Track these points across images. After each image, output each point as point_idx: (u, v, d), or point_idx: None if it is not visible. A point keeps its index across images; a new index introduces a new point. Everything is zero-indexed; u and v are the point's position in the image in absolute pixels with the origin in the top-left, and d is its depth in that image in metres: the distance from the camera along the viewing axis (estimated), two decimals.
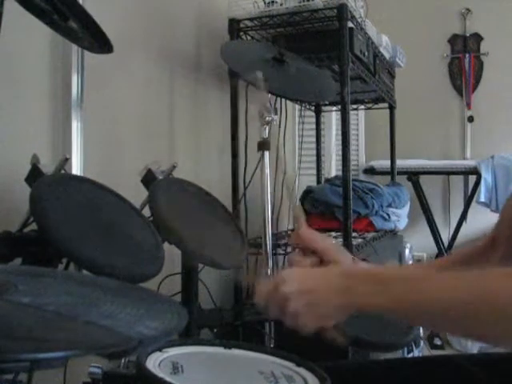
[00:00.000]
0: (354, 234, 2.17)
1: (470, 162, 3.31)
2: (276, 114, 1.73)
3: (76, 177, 1.42)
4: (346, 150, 2.04)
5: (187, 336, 1.27)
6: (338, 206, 2.36)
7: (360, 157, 3.61)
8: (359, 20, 2.19)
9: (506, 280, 0.67)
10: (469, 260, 0.99)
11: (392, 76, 2.88)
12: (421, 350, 2.58)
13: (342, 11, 2.01)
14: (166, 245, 1.27)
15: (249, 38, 2.24)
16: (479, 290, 0.68)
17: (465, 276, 0.72)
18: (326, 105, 3.02)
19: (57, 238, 1.00)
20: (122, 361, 1.00)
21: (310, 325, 0.78)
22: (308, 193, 2.60)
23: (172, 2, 2.11)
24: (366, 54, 2.27)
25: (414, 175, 3.31)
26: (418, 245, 3.22)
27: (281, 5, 2.14)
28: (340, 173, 2.14)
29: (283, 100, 2.59)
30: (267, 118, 1.70)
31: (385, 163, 3.21)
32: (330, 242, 0.96)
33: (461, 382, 0.93)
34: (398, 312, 0.75)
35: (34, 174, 1.22)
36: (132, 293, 0.67)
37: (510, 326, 0.65)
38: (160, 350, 0.81)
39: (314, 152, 3.09)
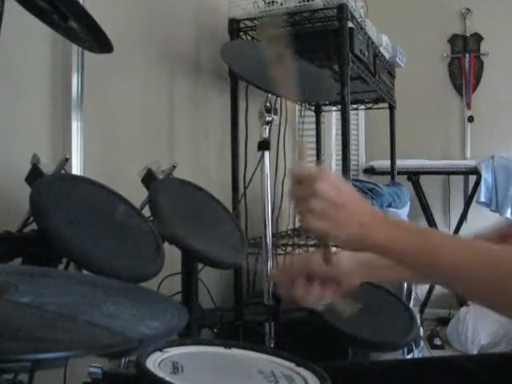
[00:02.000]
0: None
1: (470, 162, 3.31)
2: (276, 114, 1.74)
3: (76, 177, 1.42)
4: (346, 150, 2.04)
5: (187, 336, 1.27)
6: None
7: (360, 157, 3.61)
8: (359, 20, 2.19)
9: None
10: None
11: (392, 76, 2.88)
12: (421, 350, 2.58)
13: (342, 11, 2.01)
14: (166, 245, 1.27)
15: (249, 37, 2.24)
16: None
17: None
18: (325, 105, 3.02)
19: (57, 237, 1.00)
20: (122, 361, 1.00)
21: (320, 230, 0.76)
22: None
23: (172, 2, 2.11)
24: (366, 53, 2.27)
25: (414, 175, 3.31)
26: None
27: (281, 5, 2.14)
28: (340, 173, 2.14)
29: (283, 100, 2.59)
30: (267, 118, 1.71)
31: (385, 163, 3.21)
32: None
33: (461, 383, 0.93)
34: (408, 262, 0.74)
35: (34, 174, 1.22)
36: (132, 293, 0.67)
37: None
38: (160, 349, 0.81)
39: (314, 152, 3.09)
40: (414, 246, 0.73)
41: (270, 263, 1.73)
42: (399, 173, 3.15)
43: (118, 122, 1.82)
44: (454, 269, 0.71)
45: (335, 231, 0.76)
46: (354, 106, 3.04)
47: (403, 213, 2.79)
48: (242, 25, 2.20)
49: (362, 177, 3.39)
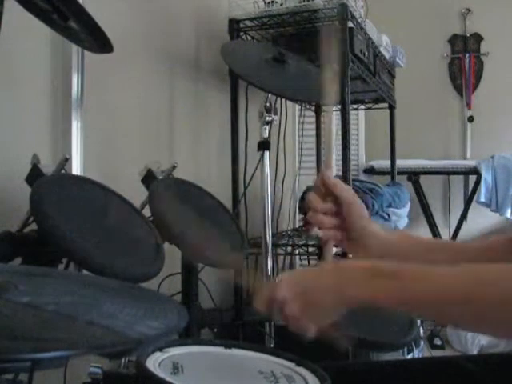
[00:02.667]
0: None
1: (470, 162, 3.31)
2: (276, 114, 1.74)
3: (76, 177, 1.42)
4: (346, 150, 2.04)
5: (187, 336, 1.27)
6: None
7: (360, 157, 3.61)
8: (359, 20, 2.19)
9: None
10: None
11: (392, 76, 2.88)
12: (421, 350, 2.58)
13: (342, 11, 2.01)
14: (166, 245, 1.27)
15: (249, 38, 2.24)
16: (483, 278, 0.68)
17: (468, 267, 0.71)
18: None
19: (57, 237, 1.00)
20: (122, 361, 1.00)
21: (310, 326, 0.77)
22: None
23: (172, 2, 2.11)
24: (366, 53, 2.27)
25: (414, 175, 3.31)
26: None
27: (281, 5, 2.14)
28: (340, 173, 2.14)
29: (283, 100, 2.59)
30: (267, 118, 1.71)
31: (385, 163, 3.21)
32: (351, 193, 0.96)
33: (461, 383, 0.93)
34: (391, 302, 0.74)
35: (34, 174, 1.22)
36: (132, 293, 0.67)
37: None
38: (160, 349, 0.81)
39: (314, 152, 3.09)
40: (388, 287, 0.72)
41: (270, 263, 1.73)
42: (399, 173, 3.15)
43: (118, 122, 1.82)
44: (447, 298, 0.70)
45: (319, 312, 0.77)
46: (354, 106, 3.04)
47: (403, 213, 2.79)
48: (241, 25, 2.20)
49: (362, 177, 3.39)
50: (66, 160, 1.25)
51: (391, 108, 3.02)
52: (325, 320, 0.78)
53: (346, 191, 0.94)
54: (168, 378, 0.72)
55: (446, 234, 3.44)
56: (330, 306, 0.76)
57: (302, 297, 0.76)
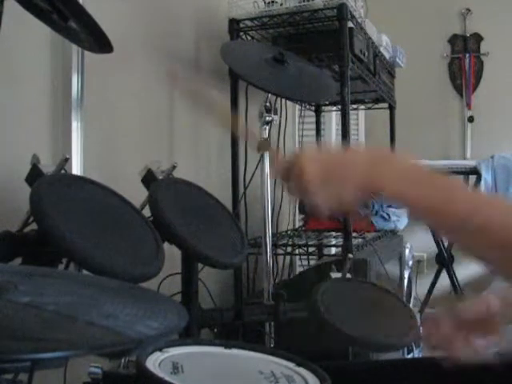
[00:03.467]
0: (354, 234, 2.17)
1: (470, 162, 3.31)
2: (276, 113, 1.74)
3: (76, 177, 1.42)
4: None
5: (187, 336, 1.27)
6: None
7: None
8: (359, 20, 2.19)
9: None
10: None
11: (392, 76, 2.88)
12: (421, 350, 2.58)
13: (342, 11, 2.01)
14: (166, 245, 1.27)
15: (249, 38, 2.24)
16: None
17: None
18: (326, 105, 3.02)
19: (57, 237, 1.00)
20: (122, 361, 1.00)
21: (326, 199, 0.70)
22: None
23: (172, 2, 2.11)
24: (366, 53, 2.27)
25: None
26: (417, 245, 3.22)
27: (281, 5, 2.14)
28: None
29: (283, 100, 2.59)
30: (267, 118, 1.71)
31: None
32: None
33: (461, 382, 0.93)
34: (414, 205, 0.70)
35: (34, 174, 1.22)
36: (132, 293, 0.67)
37: None
38: (160, 349, 0.81)
39: None
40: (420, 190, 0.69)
41: (270, 263, 1.73)
42: None
43: (118, 122, 1.82)
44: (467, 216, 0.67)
45: (340, 184, 0.70)
46: (354, 106, 3.04)
47: (403, 213, 2.79)
48: (242, 25, 2.20)
49: None
50: (66, 160, 1.25)
51: (391, 108, 3.02)
52: (342, 199, 0.71)
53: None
54: (168, 378, 0.72)
55: None
56: (353, 185, 0.70)
57: (326, 168, 0.71)
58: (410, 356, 2.24)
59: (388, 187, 0.70)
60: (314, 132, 3.07)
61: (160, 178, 1.49)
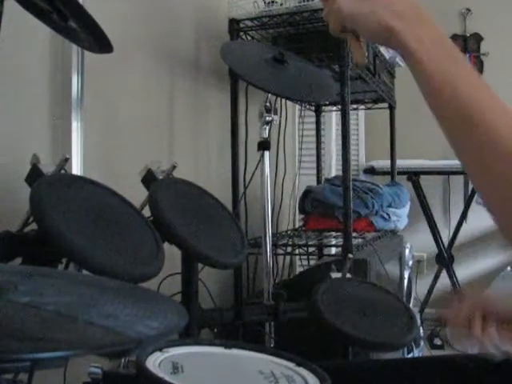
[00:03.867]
0: (354, 234, 2.17)
1: None
2: (276, 114, 1.74)
3: (76, 177, 1.42)
4: (346, 150, 2.04)
5: (187, 336, 1.27)
6: (337, 206, 2.37)
7: (360, 157, 3.61)
8: None
9: None
10: None
11: (392, 76, 2.88)
12: (421, 350, 2.58)
13: None
14: (166, 245, 1.27)
15: (249, 38, 2.24)
16: None
17: None
18: (326, 105, 3.03)
19: (57, 237, 1.00)
20: (122, 361, 1.00)
21: (344, 16, 0.73)
22: (308, 193, 2.60)
23: (172, 2, 2.11)
24: (366, 53, 2.27)
25: (414, 175, 3.31)
26: (417, 245, 3.22)
27: (281, 5, 2.14)
28: (340, 173, 2.14)
29: (283, 100, 2.59)
30: (267, 118, 1.71)
31: (385, 163, 3.21)
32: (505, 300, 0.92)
33: (461, 382, 0.93)
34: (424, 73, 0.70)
35: (34, 174, 1.22)
36: (132, 293, 0.67)
37: None
38: (160, 349, 0.81)
39: (314, 152, 3.09)
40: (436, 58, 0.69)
41: (270, 263, 1.73)
42: (399, 173, 3.15)
43: (117, 122, 1.82)
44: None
45: (362, 17, 0.72)
46: (354, 106, 3.04)
47: (403, 213, 2.79)
48: (242, 25, 2.20)
49: (362, 177, 3.39)
50: (66, 160, 1.25)
51: (391, 108, 3.02)
52: (363, 23, 0.73)
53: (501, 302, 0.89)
54: (168, 378, 0.72)
55: (445, 234, 3.44)
56: (374, 18, 0.71)
57: None
58: (409, 356, 2.24)
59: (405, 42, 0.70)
60: (314, 132, 3.07)
61: (160, 177, 1.50)
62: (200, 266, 1.46)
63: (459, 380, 0.93)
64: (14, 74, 1.44)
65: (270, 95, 1.70)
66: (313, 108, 3.05)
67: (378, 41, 0.76)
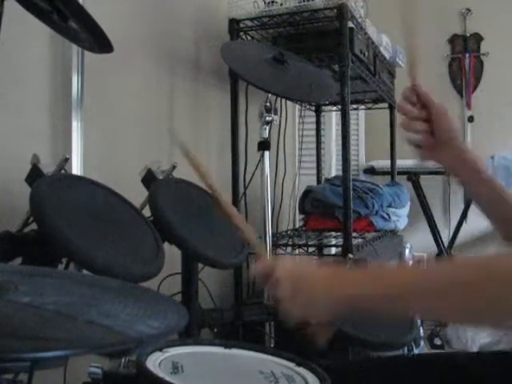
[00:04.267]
0: (354, 234, 2.17)
1: None
2: (276, 114, 1.74)
3: (76, 177, 1.42)
4: (346, 150, 2.04)
5: (187, 336, 1.27)
6: (337, 206, 2.36)
7: (360, 157, 3.61)
8: (359, 20, 2.19)
9: None
10: None
11: (392, 76, 2.88)
12: (421, 350, 2.58)
13: (342, 11, 2.01)
14: (166, 245, 1.27)
15: (249, 38, 2.24)
16: (487, 267, 0.67)
17: (469, 259, 0.73)
18: (326, 105, 3.03)
19: (57, 237, 1.00)
20: (122, 360, 1.00)
21: (296, 312, 0.77)
22: (308, 193, 2.60)
23: (172, 2, 2.11)
24: (366, 53, 2.27)
25: (414, 175, 3.31)
26: (417, 245, 3.22)
27: (281, 5, 2.14)
28: (340, 173, 2.14)
29: (283, 100, 2.59)
30: (267, 118, 1.71)
31: (385, 163, 3.21)
32: (441, 104, 1.03)
33: (461, 380, 0.93)
34: (389, 300, 0.72)
35: (34, 174, 1.22)
36: (132, 292, 0.67)
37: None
38: (160, 349, 0.81)
39: (314, 152, 3.09)
40: (386, 283, 0.73)
41: None
42: (399, 173, 3.15)
43: (118, 122, 1.82)
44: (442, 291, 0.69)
45: (309, 301, 0.77)
46: (354, 106, 3.04)
47: (403, 213, 2.79)
48: (242, 25, 2.20)
49: (362, 177, 3.39)
50: (66, 160, 1.25)
51: (391, 108, 3.02)
52: (312, 311, 0.78)
53: (437, 103, 1.00)
54: (168, 378, 0.72)
55: (445, 234, 3.44)
56: (321, 298, 0.76)
57: (296, 281, 0.78)
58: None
59: (354, 295, 0.75)
60: (314, 132, 3.07)
61: (160, 177, 1.50)
62: (200, 266, 1.46)
63: (459, 377, 0.93)
64: (14, 74, 1.44)
65: (269, 95, 1.70)
66: (313, 108, 3.05)
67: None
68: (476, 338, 2.86)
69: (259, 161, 1.75)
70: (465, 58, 3.68)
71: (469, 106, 3.67)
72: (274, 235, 2.02)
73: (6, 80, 1.40)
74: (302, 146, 3.07)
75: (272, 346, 1.69)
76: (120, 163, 1.80)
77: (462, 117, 3.69)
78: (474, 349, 2.85)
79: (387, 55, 2.69)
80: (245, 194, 2.26)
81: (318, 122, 3.07)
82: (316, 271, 0.80)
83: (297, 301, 0.77)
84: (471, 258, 0.76)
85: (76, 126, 1.57)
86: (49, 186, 1.12)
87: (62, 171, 1.26)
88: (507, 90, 3.52)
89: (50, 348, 0.43)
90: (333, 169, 3.24)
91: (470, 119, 3.66)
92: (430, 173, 3.35)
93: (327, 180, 2.81)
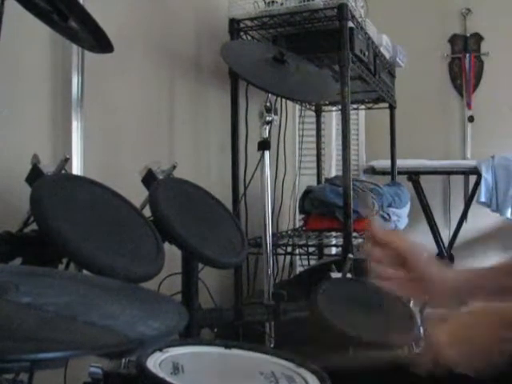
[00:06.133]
0: (354, 234, 2.17)
1: (470, 162, 3.31)
2: (276, 114, 1.74)
3: (76, 177, 1.42)
4: (346, 150, 2.04)
5: (187, 336, 1.27)
6: (338, 206, 2.36)
7: (360, 157, 3.61)
8: (359, 20, 2.19)
9: None
10: None
11: (392, 76, 2.88)
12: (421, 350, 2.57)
13: (342, 11, 2.01)
14: (166, 245, 1.27)
15: (249, 37, 2.24)
16: None
17: None
18: (326, 105, 3.02)
19: (57, 237, 1.00)
20: (123, 361, 1.00)
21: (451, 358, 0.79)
22: (308, 193, 2.60)
23: (172, 2, 2.11)
24: (366, 53, 2.27)
25: (414, 175, 3.31)
26: None
27: (281, 5, 2.14)
28: (340, 173, 2.14)
29: (283, 100, 2.59)
30: (267, 118, 1.71)
31: (385, 163, 3.21)
32: (410, 244, 0.96)
33: (461, 380, 0.93)
34: None
35: (35, 174, 1.22)
36: (132, 293, 0.67)
37: None
38: (160, 349, 0.81)
39: (314, 152, 3.09)
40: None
41: (270, 263, 1.73)
42: (399, 173, 3.15)
43: (118, 122, 1.82)
44: None
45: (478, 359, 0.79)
46: (354, 106, 3.04)
47: (403, 213, 2.79)
48: (242, 25, 2.20)
49: (363, 177, 3.39)
50: (66, 160, 1.25)
51: (391, 108, 3.02)
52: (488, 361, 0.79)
53: (401, 240, 0.95)
54: (168, 378, 0.72)
55: (445, 234, 3.44)
56: (489, 347, 0.78)
57: (463, 344, 0.79)
58: None
59: None
60: (314, 132, 3.07)
61: (160, 177, 1.49)
62: (200, 265, 1.46)
63: (459, 377, 0.93)
64: (14, 74, 1.44)
65: (269, 95, 1.70)
66: (313, 108, 3.05)
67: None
68: None
69: (259, 161, 1.75)
70: (465, 58, 3.68)
71: (469, 106, 3.67)
72: (274, 235, 2.02)
73: (6, 80, 1.40)
74: (302, 146, 3.06)
75: (272, 345, 1.69)
76: (120, 163, 1.80)
77: (462, 117, 3.69)
78: None
79: (387, 55, 2.69)
80: (245, 194, 2.26)
81: (318, 122, 3.07)
82: (476, 324, 0.80)
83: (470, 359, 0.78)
84: None
85: (76, 125, 1.57)
86: (49, 185, 1.12)
87: (62, 171, 1.26)
88: (507, 90, 3.52)
89: (50, 349, 0.43)
90: (333, 169, 3.24)
91: (470, 119, 3.66)
92: (430, 173, 3.35)
93: (327, 180, 2.81)
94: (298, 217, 2.99)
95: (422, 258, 0.96)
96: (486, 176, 3.09)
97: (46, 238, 1.03)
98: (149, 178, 1.48)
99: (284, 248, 2.30)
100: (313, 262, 2.72)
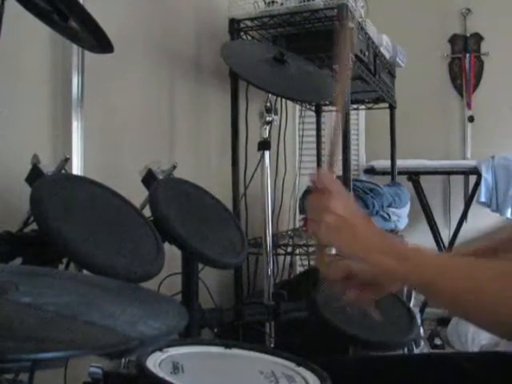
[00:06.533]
0: None
1: (470, 162, 3.31)
2: (276, 114, 1.74)
3: (76, 177, 1.42)
4: (346, 150, 2.04)
5: (187, 336, 1.27)
6: None
7: (360, 157, 3.61)
8: (359, 20, 2.19)
9: None
10: (494, 251, 0.99)
11: (392, 76, 2.88)
12: (421, 350, 2.58)
13: (342, 11, 2.01)
14: (166, 245, 1.27)
15: (249, 37, 2.24)
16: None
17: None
18: (326, 105, 3.02)
19: (57, 237, 1.00)
20: (123, 361, 1.00)
21: (332, 243, 0.81)
22: (308, 193, 2.60)
23: (172, 2, 2.11)
24: (366, 53, 2.27)
25: (414, 175, 3.30)
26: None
27: (281, 5, 2.14)
28: (340, 173, 2.14)
29: (283, 100, 2.59)
30: (267, 118, 1.71)
31: (385, 163, 3.21)
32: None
33: (461, 380, 0.93)
34: (413, 282, 0.77)
35: (35, 174, 1.22)
36: (132, 293, 0.67)
37: None
38: (160, 349, 0.81)
39: (314, 152, 3.09)
40: (417, 268, 0.75)
41: (270, 263, 1.73)
42: (399, 173, 3.15)
43: (118, 122, 1.82)
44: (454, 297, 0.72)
45: (348, 246, 0.80)
46: (354, 106, 3.04)
47: (403, 213, 2.79)
48: (242, 25, 2.20)
49: (362, 177, 3.39)
50: (66, 160, 1.25)
51: (391, 108, 3.03)
52: (346, 254, 0.81)
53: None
54: (168, 378, 0.72)
55: (445, 233, 3.44)
56: (359, 249, 0.79)
57: (346, 222, 0.79)
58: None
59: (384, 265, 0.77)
60: (314, 132, 3.07)
61: (160, 177, 1.49)
62: (200, 265, 1.46)
63: (459, 378, 0.93)
64: (14, 74, 1.44)
65: (270, 95, 1.70)
66: (313, 108, 3.05)
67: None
68: (476, 338, 2.85)
69: (259, 161, 1.75)
70: (465, 58, 3.68)
71: (469, 106, 3.67)
72: (274, 235, 2.02)
73: (6, 80, 1.40)
74: (302, 146, 3.07)
75: (272, 345, 1.69)
76: (120, 163, 1.80)
77: (462, 117, 3.69)
78: (474, 349, 2.85)
79: (387, 55, 2.69)
80: (245, 194, 2.26)
81: (318, 122, 3.07)
82: (367, 225, 0.80)
83: (337, 237, 0.79)
84: None
85: (76, 125, 1.57)
86: (49, 186, 1.12)
87: (62, 171, 1.26)
88: (507, 90, 3.52)
89: (50, 349, 0.43)
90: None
91: (470, 119, 3.66)
92: (430, 173, 3.35)
93: None
94: (298, 217, 2.99)
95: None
96: (486, 176, 3.09)
97: (45, 237, 1.03)
98: (149, 178, 1.48)
99: (284, 248, 2.30)
100: (313, 263, 2.72)
